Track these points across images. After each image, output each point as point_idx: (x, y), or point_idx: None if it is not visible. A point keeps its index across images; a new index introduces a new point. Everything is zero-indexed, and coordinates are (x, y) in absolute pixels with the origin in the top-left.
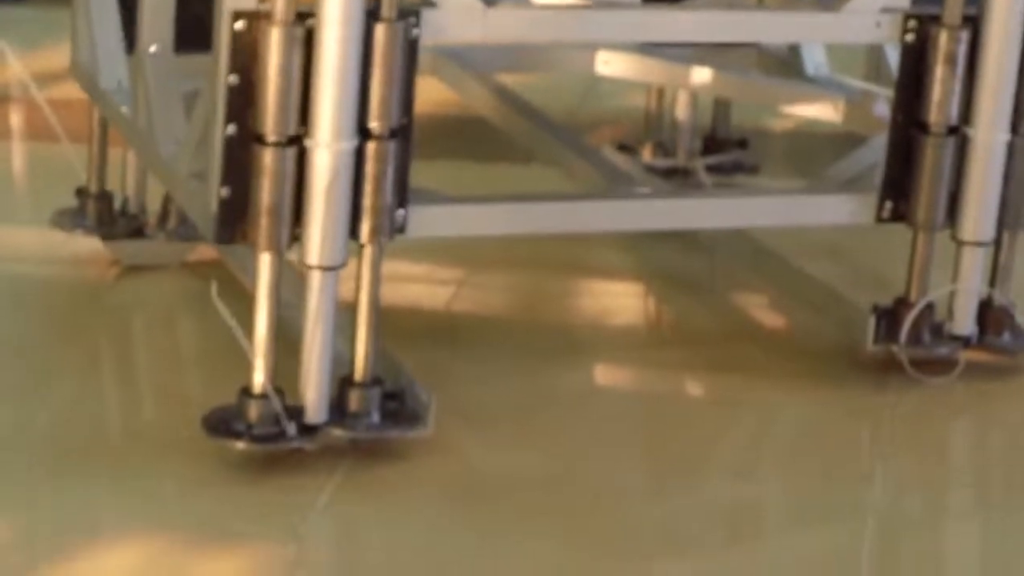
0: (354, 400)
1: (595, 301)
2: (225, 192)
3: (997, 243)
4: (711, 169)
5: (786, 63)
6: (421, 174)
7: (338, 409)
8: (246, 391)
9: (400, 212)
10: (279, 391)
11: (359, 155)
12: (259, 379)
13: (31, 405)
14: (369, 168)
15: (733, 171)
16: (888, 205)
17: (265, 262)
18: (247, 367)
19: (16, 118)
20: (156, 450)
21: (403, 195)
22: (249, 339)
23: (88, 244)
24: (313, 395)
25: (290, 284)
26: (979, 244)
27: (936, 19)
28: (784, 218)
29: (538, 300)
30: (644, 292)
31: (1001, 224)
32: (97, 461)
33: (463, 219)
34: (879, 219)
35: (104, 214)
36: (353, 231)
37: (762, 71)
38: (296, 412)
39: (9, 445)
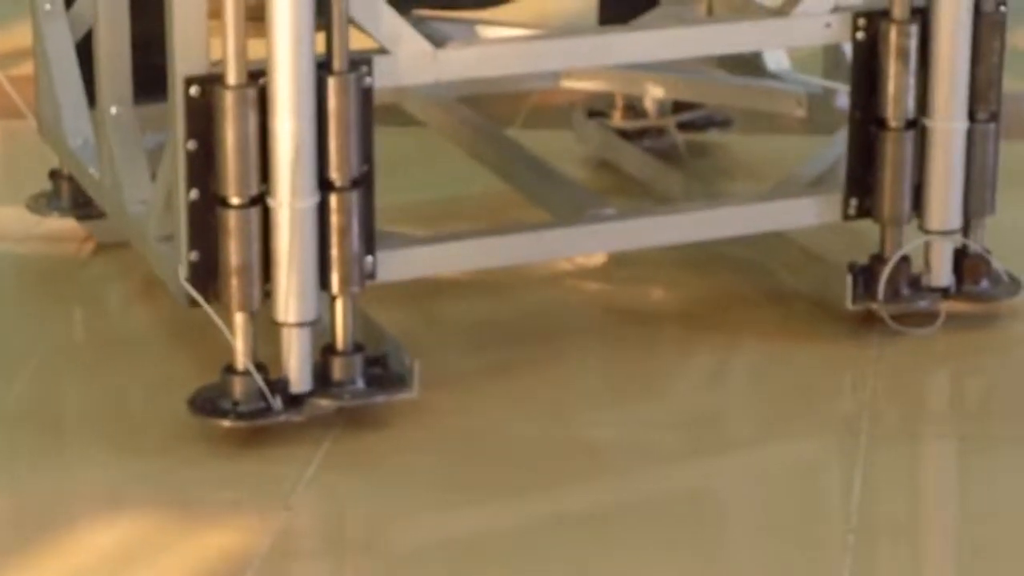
0: (338, 368)
1: (571, 261)
2: (194, 256)
3: (965, 229)
4: (683, 126)
5: (748, 61)
6: None
7: (322, 378)
8: (229, 368)
9: (368, 259)
10: (261, 366)
11: (323, 207)
12: (241, 359)
13: (8, 381)
14: (334, 220)
15: (706, 127)
16: (854, 202)
17: (239, 321)
18: (229, 341)
19: None
20: (140, 426)
21: (370, 242)
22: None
23: (63, 223)
24: (296, 366)
25: None
26: (946, 233)
27: (885, 15)
28: (753, 226)
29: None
30: (622, 255)
31: (967, 211)
32: (79, 438)
33: (432, 259)
34: (846, 217)
35: (78, 194)
36: (323, 282)
37: (725, 69)
38: (281, 384)
39: None
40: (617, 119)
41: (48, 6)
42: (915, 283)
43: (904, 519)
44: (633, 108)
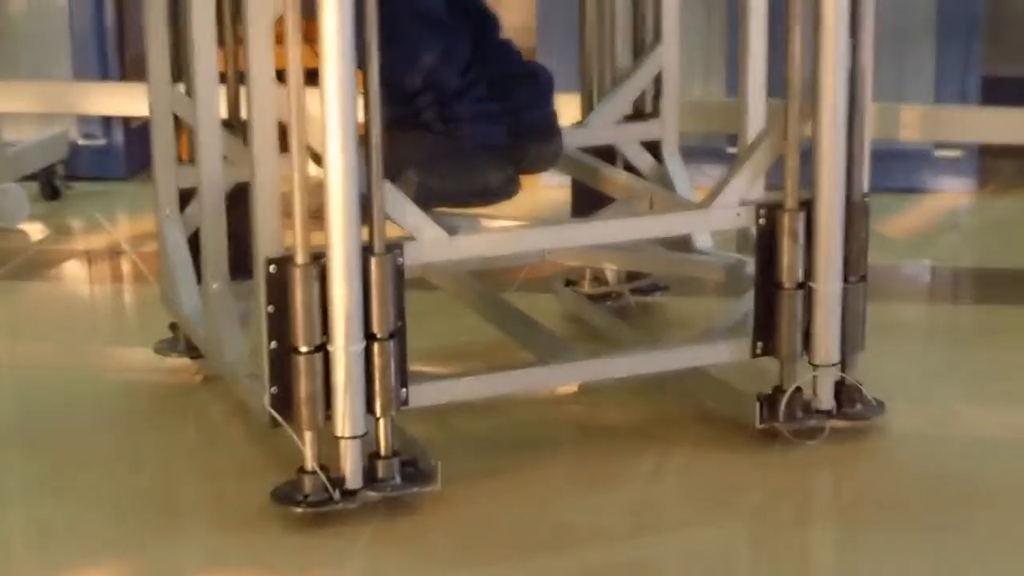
0: (381, 468)
1: (550, 389)
2: (274, 390)
3: (843, 365)
4: (634, 291)
5: (681, 240)
6: None
7: (369, 476)
8: (301, 469)
9: (403, 391)
10: (324, 467)
11: (368, 353)
12: (309, 463)
13: (135, 475)
14: (376, 362)
15: (651, 291)
16: (760, 344)
17: (308, 438)
18: (298, 447)
19: (124, 267)
20: (233, 511)
21: (404, 378)
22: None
23: (180, 361)
24: (350, 468)
25: None
26: (828, 366)
27: (780, 205)
28: (684, 363)
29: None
30: (588, 384)
31: (844, 350)
32: (187, 519)
33: (450, 390)
34: (754, 355)
35: (190, 341)
36: (369, 407)
37: (665, 247)
38: (339, 481)
39: (117, 505)
40: (586, 286)
41: (168, 211)
42: (806, 406)
43: None
44: (597, 278)
